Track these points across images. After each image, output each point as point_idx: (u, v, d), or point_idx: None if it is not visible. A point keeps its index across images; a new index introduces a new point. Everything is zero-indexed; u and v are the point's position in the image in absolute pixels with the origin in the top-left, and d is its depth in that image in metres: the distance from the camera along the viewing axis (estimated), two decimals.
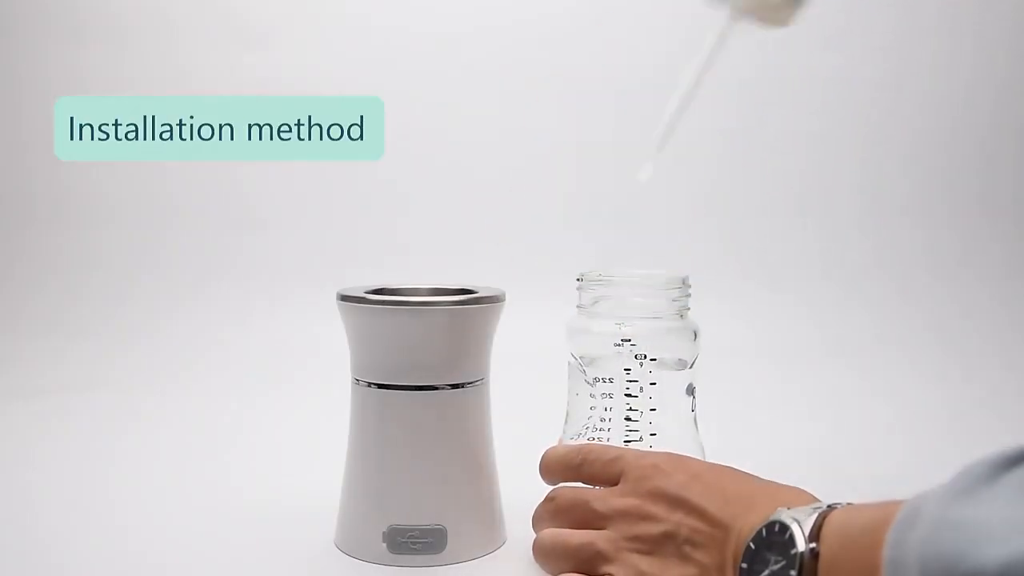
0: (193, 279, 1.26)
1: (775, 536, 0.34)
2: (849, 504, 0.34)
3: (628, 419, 0.48)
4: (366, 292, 0.48)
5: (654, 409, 0.48)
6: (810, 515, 0.34)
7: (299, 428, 0.79)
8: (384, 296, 0.47)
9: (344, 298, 0.48)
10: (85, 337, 1.14)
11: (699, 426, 0.52)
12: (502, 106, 1.27)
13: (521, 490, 0.49)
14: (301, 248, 1.29)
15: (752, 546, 0.35)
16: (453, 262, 1.26)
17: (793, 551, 0.33)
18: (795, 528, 0.33)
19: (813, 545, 0.33)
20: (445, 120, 1.31)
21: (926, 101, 1.33)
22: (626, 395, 0.48)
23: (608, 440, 0.49)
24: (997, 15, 1.33)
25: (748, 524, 0.36)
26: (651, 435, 0.48)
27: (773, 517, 0.35)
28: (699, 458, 0.48)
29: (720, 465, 0.42)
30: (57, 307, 1.23)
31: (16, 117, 1.34)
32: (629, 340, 0.48)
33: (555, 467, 0.46)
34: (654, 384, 0.48)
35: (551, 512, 0.44)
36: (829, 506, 0.34)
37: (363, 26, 1.33)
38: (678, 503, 0.39)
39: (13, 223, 1.32)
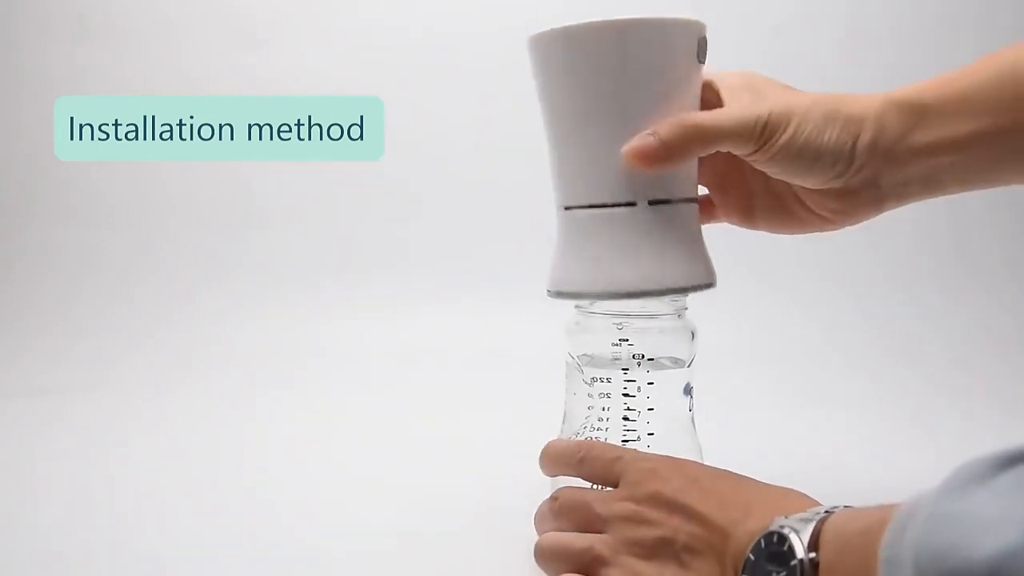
0: (193, 279, 1.27)
1: (774, 547, 0.34)
2: (847, 508, 0.35)
3: (626, 419, 0.48)
4: None
5: (652, 409, 0.48)
6: (808, 523, 0.34)
7: (299, 428, 0.79)
8: None
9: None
10: (85, 337, 1.14)
11: (697, 426, 0.52)
12: (503, 106, 1.27)
13: (521, 490, 0.49)
14: (302, 248, 1.29)
15: (751, 557, 0.35)
16: (454, 262, 1.26)
17: (793, 562, 0.33)
18: (793, 538, 0.33)
19: (813, 555, 0.33)
20: (446, 120, 1.31)
21: None
22: (623, 395, 0.48)
23: (606, 440, 0.49)
24: (999, 14, 1.33)
25: (746, 531, 0.36)
26: (648, 435, 0.48)
27: (771, 527, 0.35)
28: (697, 459, 0.48)
29: (718, 469, 0.42)
30: (57, 307, 1.23)
31: (16, 117, 1.34)
32: (627, 340, 0.48)
33: (556, 460, 0.47)
34: (651, 384, 0.48)
35: (554, 512, 0.45)
36: (827, 511, 0.34)
37: (363, 26, 1.33)
38: (676, 508, 0.39)
39: (13, 223, 1.33)
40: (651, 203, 0.46)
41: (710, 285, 0.48)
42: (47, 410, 0.83)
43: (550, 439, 0.49)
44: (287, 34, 1.33)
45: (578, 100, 0.46)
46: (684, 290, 0.46)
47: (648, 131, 0.44)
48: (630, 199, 0.46)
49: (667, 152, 0.44)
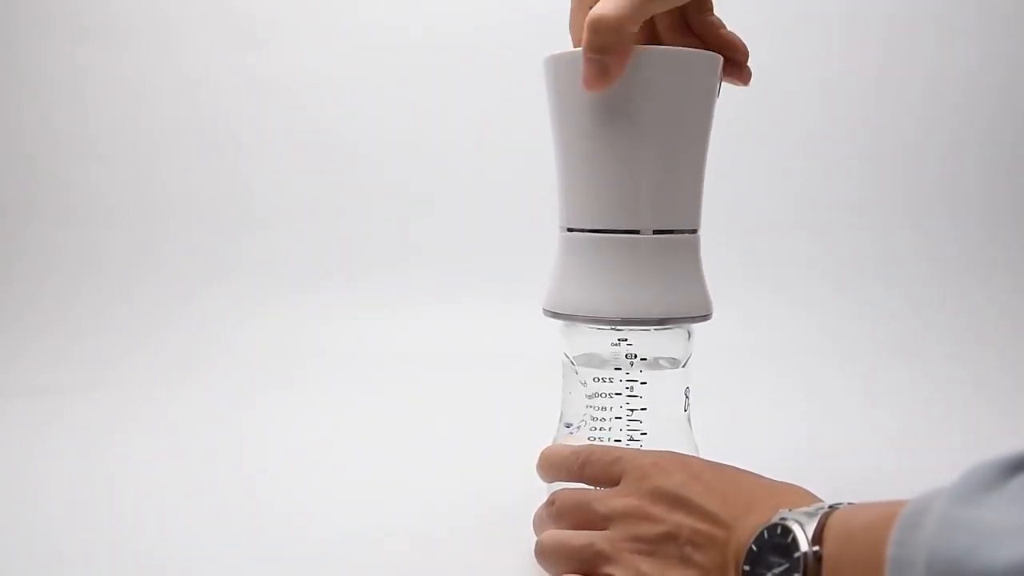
0: (193, 279, 1.27)
1: (777, 538, 0.34)
2: (850, 504, 0.34)
3: (620, 419, 0.48)
4: None
5: (645, 408, 0.48)
6: (812, 516, 0.34)
7: (299, 428, 0.79)
8: None
9: None
10: (85, 337, 1.15)
11: (693, 426, 0.52)
12: (503, 106, 1.27)
13: (521, 490, 0.49)
14: (302, 248, 1.29)
15: (754, 548, 0.35)
16: (454, 262, 1.26)
17: (796, 554, 0.33)
18: (797, 530, 0.33)
19: (816, 548, 0.33)
20: (446, 120, 1.31)
21: (925, 101, 1.33)
22: (619, 395, 0.48)
23: (600, 440, 0.49)
24: (998, 14, 1.33)
25: (749, 525, 0.36)
26: (642, 435, 0.48)
27: (775, 519, 0.35)
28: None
29: (721, 464, 0.42)
30: (57, 307, 1.24)
31: (16, 117, 1.34)
32: (625, 340, 0.48)
33: (556, 468, 0.46)
34: (646, 384, 0.48)
35: (553, 515, 0.44)
36: (831, 506, 0.34)
37: (363, 26, 1.33)
38: (678, 503, 0.39)
39: (13, 223, 1.33)
40: (655, 232, 0.46)
41: (706, 317, 0.48)
42: (47, 410, 0.83)
43: (545, 445, 0.48)
44: (287, 34, 1.33)
45: (588, 125, 0.46)
46: (681, 320, 0.47)
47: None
48: (634, 227, 0.46)
49: (603, 56, 0.43)
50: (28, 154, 1.34)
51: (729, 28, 0.50)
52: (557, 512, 0.44)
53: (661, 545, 0.38)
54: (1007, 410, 0.85)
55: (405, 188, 1.31)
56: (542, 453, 0.48)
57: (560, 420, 0.52)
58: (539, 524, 0.46)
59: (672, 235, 0.47)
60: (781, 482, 0.40)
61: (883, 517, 0.30)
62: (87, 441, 0.74)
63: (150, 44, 1.33)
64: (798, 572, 0.33)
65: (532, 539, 0.45)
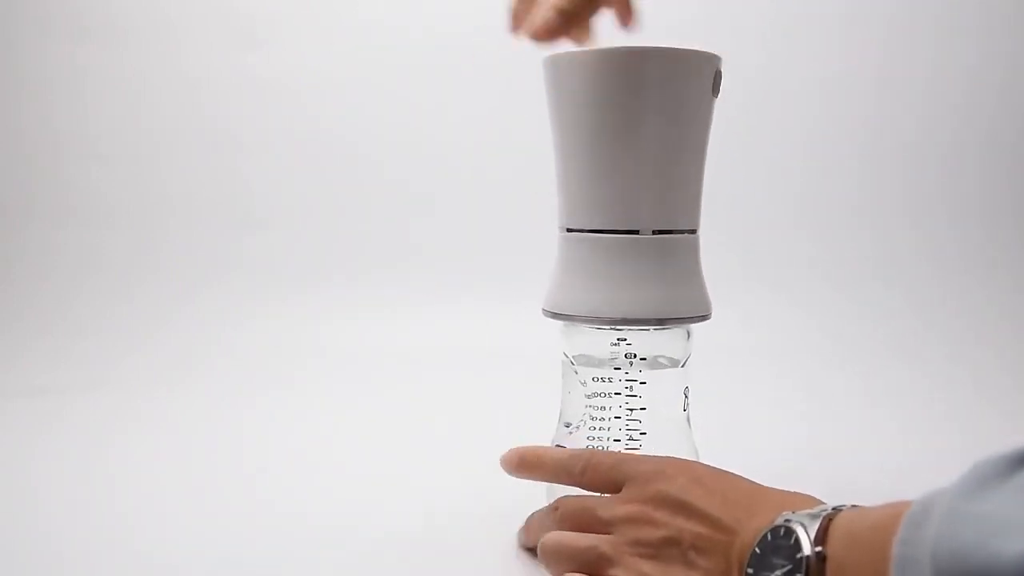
0: (193, 279, 1.27)
1: (781, 540, 0.34)
2: (854, 506, 0.34)
3: (620, 418, 0.48)
4: None
5: (644, 408, 0.48)
6: (815, 518, 0.34)
7: (299, 428, 0.79)
8: None
9: None
10: (85, 337, 1.15)
11: (693, 426, 0.52)
12: (503, 106, 1.27)
13: (521, 491, 0.49)
14: (302, 248, 1.29)
15: (758, 551, 0.35)
16: (454, 262, 1.26)
17: (799, 555, 0.33)
18: (800, 532, 0.33)
19: (819, 549, 0.33)
20: (446, 120, 1.31)
21: (925, 101, 1.33)
22: (619, 394, 0.49)
23: (600, 439, 0.49)
24: (998, 14, 1.33)
25: (752, 528, 0.36)
26: (641, 435, 0.48)
27: (778, 521, 0.35)
28: (693, 459, 0.48)
29: (721, 469, 0.42)
30: (57, 307, 1.24)
31: (16, 117, 1.34)
32: (625, 339, 0.48)
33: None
34: (645, 384, 0.48)
35: (556, 521, 0.44)
36: (834, 508, 0.34)
37: (363, 26, 1.33)
38: (680, 507, 0.39)
39: (13, 223, 1.33)
40: (655, 232, 0.46)
41: (705, 317, 0.48)
42: (47, 410, 0.83)
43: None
44: (287, 34, 1.33)
45: (587, 125, 0.46)
46: (681, 320, 0.47)
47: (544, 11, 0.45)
48: (634, 227, 0.46)
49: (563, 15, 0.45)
50: (28, 154, 1.34)
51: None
52: (560, 518, 0.44)
53: (664, 549, 0.38)
54: (1007, 410, 0.85)
55: (405, 188, 1.31)
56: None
57: (560, 420, 0.52)
58: (539, 528, 0.46)
59: (672, 235, 0.47)
60: (783, 490, 0.40)
61: (889, 517, 0.30)
62: (87, 441, 0.74)
63: (150, 44, 1.33)
64: (800, 574, 0.33)
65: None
